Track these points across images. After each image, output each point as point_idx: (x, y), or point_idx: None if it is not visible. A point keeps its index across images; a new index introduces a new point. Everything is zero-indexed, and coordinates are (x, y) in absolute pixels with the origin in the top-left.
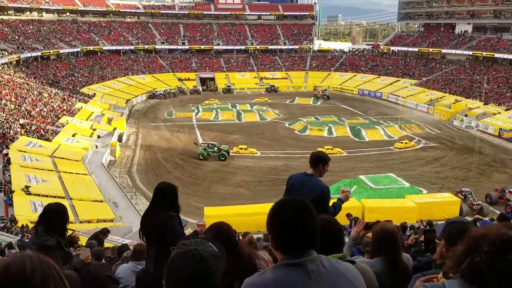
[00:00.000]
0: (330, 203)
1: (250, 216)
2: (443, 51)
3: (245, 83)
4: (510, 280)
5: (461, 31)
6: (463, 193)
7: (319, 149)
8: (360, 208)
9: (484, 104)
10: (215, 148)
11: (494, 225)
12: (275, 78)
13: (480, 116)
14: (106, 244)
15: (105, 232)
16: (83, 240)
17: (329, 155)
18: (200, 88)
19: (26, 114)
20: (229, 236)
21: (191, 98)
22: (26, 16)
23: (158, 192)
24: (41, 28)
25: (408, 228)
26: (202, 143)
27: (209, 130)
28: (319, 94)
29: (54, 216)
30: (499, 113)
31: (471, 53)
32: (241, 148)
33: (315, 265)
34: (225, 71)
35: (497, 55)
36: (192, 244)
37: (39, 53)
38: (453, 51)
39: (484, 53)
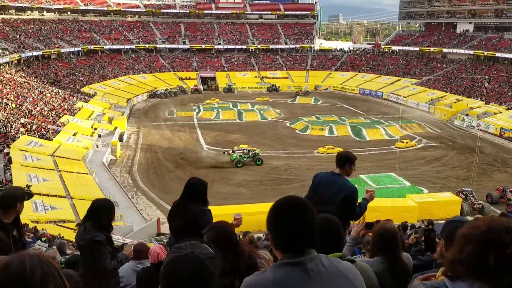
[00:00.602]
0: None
1: (251, 216)
2: (444, 50)
3: (246, 82)
4: None
5: (462, 30)
6: (464, 193)
7: (320, 148)
8: None
9: (485, 103)
10: (250, 153)
11: (480, 219)
12: (276, 78)
13: (481, 115)
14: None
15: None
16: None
17: (329, 154)
18: (201, 88)
19: (27, 113)
20: (230, 235)
21: (192, 98)
22: (27, 15)
23: (190, 187)
24: (42, 27)
25: (409, 227)
26: (236, 150)
27: (210, 129)
28: (301, 92)
29: (103, 212)
30: (500, 112)
31: (472, 52)
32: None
33: (315, 264)
34: (226, 71)
35: (498, 54)
36: (188, 247)
37: (40, 52)
38: (454, 51)
39: (485, 53)
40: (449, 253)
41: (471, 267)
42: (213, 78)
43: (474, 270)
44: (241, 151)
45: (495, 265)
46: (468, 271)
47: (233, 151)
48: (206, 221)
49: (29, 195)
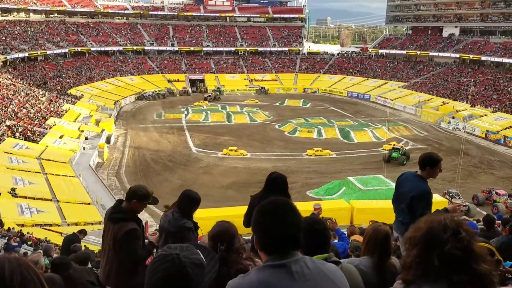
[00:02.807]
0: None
1: (239, 218)
2: (431, 53)
3: (235, 84)
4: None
5: (449, 34)
6: (451, 194)
7: (308, 150)
8: (349, 209)
9: (471, 106)
10: (401, 151)
11: (421, 221)
12: (265, 80)
13: (467, 118)
14: (95, 247)
15: (83, 232)
16: (60, 241)
17: (318, 156)
18: (190, 90)
19: (12, 116)
20: (232, 239)
21: (181, 100)
22: (13, 16)
23: (272, 181)
24: (28, 28)
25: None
26: (394, 147)
27: (199, 131)
28: (212, 95)
29: (194, 204)
30: (486, 115)
31: (458, 56)
32: (231, 150)
33: (299, 266)
34: (215, 73)
35: (483, 58)
36: (177, 249)
37: (26, 54)
38: (441, 54)
39: (471, 56)
40: (408, 257)
41: (419, 270)
42: (202, 80)
43: (423, 273)
44: (399, 149)
45: (440, 265)
46: (417, 274)
47: (394, 150)
48: None
49: (154, 201)
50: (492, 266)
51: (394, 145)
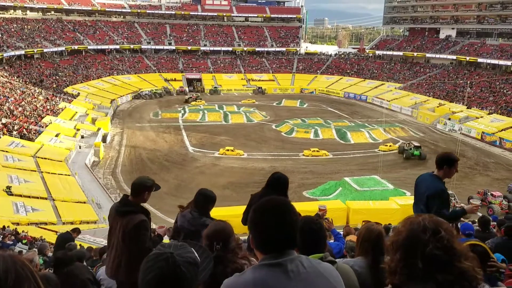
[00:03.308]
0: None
1: (236, 218)
2: (427, 55)
3: (232, 84)
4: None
5: (445, 35)
6: None
7: (305, 151)
8: (345, 210)
9: (467, 108)
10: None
11: (402, 224)
12: (262, 80)
13: (463, 119)
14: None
15: (76, 231)
16: (54, 239)
17: (314, 157)
18: (187, 89)
19: (8, 114)
20: (228, 238)
21: (178, 99)
22: (10, 14)
23: (275, 180)
24: (25, 26)
25: (391, 230)
26: (415, 145)
27: (196, 131)
28: (192, 97)
29: (209, 202)
30: (482, 117)
31: (454, 57)
32: (228, 150)
33: (295, 265)
34: (212, 72)
35: (480, 59)
36: (171, 247)
37: (23, 52)
38: (437, 56)
39: (468, 58)
40: (391, 260)
41: (404, 273)
42: (199, 80)
43: (408, 276)
44: (418, 146)
45: (424, 266)
46: (403, 278)
47: (415, 148)
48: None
49: (157, 187)
50: (474, 262)
51: (409, 143)
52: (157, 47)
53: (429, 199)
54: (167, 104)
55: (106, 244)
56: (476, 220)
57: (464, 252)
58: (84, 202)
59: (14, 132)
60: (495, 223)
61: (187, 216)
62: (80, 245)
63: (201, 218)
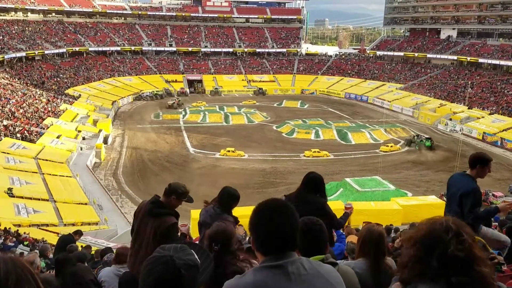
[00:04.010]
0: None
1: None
2: (428, 55)
3: (233, 85)
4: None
5: (446, 36)
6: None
7: (306, 152)
8: None
9: (468, 108)
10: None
11: (423, 222)
12: (263, 81)
13: (464, 120)
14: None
15: (78, 233)
16: (55, 240)
17: (315, 158)
18: (188, 90)
19: (10, 115)
20: (228, 240)
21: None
22: (11, 16)
23: (310, 181)
24: (26, 28)
25: (393, 230)
26: (426, 137)
27: (197, 132)
28: (176, 101)
29: (233, 200)
30: (483, 117)
31: (455, 58)
32: (229, 151)
33: (296, 267)
34: (213, 73)
35: (481, 60)
36: (171, 250)
37: (24, 54)
38: (438, 56)
39: (468, 58)
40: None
41: (415, 269)
42: (200, 81)
43: (419, 272)
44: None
45: (440, 266)
46: (413, 274)
47: (426, 139)
48: (331, 211)
49: (189, 199)
50: (492, 270)
51: (417, 135)
52: (158, 48)
53: (463, 198)
54: (161, 106)
55: (108, 246)
56: None
57: (484, 258)
58: (86, 204)
59: (16, 134)
60: (497, 223)
61: (209, 211)
62: (81, 246)
63: (222, 215)
